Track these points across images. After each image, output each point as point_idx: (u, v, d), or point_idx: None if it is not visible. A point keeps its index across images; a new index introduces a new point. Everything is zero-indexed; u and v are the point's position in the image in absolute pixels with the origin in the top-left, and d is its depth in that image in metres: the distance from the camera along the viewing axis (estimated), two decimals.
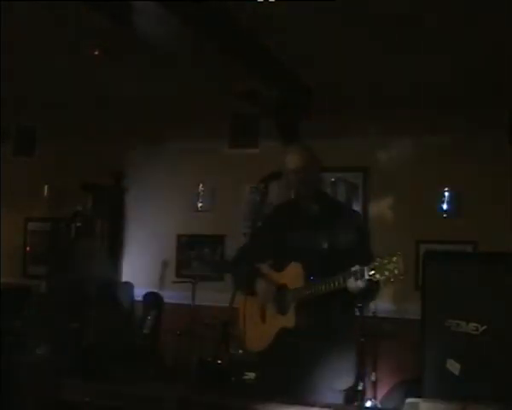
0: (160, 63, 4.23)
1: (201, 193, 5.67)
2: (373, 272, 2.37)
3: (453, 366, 2.72)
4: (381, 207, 5.20)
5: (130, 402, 2.09)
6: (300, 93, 4.93)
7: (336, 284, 2.51)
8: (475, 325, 2.66)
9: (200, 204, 5.68)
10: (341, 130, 5.15)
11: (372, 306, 4.55)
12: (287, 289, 2.71)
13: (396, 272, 2.32)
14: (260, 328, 2.77)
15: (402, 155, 5.12)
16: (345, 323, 2.75)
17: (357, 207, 5.25)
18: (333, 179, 5.25)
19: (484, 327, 2.63)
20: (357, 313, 4.41)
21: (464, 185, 4.89)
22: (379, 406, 4.49)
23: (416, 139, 5.08)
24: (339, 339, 2.69)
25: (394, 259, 2.33)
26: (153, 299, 5.45)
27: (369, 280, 2.39)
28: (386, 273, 2.33)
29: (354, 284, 2.43)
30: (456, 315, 2.79)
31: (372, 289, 2.49)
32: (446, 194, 4.90)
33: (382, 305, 4.72)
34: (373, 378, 4.55)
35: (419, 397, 2.42)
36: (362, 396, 4.44)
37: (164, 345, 5.24)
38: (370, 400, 4.52)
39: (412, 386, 3.29)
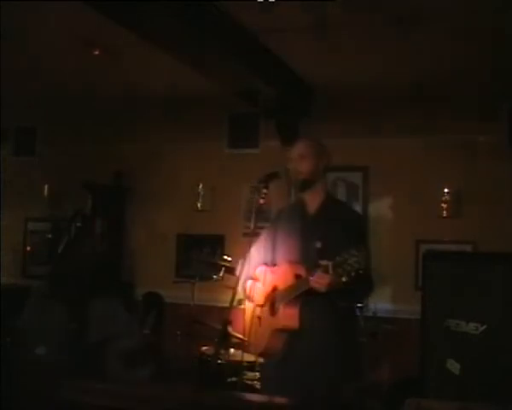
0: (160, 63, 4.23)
1: (201, 193, 5.67)
2: (336, 267, 2.38)
3: (453, 366, 2.73)
4: (381, 207, 5.19)
5: (130, 402, 2.09)
6: (300, 93, 4.92)
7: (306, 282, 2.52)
8: (475, 325, 2.67)
9: (200, 204, 5.68)
10: (341, 130, 5.14)
11: (372, 306, 4.55)
12: (277, 290, 2.73)
13: (356, 266, 2.33)
14: (258, 331, 2.78)
15: (402, 155, 5.12)
16: (335, 321, 2.70)
17: (357, 207, 5.25)
18: (333, 179, 5.24)
19: (484, 327, 2.63)
20: (358, 313, 4.44)
21: (464, 185, 4.88)
22: (379, 405, 4.49)
23: (416, 139, 5.07)
24: (328, 338, 2.66)
25: (356, 253, 2.34)
26: (153, 299, 5.44)
27: (335, 276, 2.39)
28: (348, 268, 2.34)
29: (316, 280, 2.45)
30: (456, 315, 2.79)
31: (348, 286, 2.43)
32: (446, 194, 4.89)
33: (382, 305, 4.72)
34: (373, 378, 4.55)
35: (419, 397, 2.42)
36: (362, 396, 4.45)
37: (164, 345, 5.23)
38: (370, 400, 4.51)
39: (412, 386, 3.29)
